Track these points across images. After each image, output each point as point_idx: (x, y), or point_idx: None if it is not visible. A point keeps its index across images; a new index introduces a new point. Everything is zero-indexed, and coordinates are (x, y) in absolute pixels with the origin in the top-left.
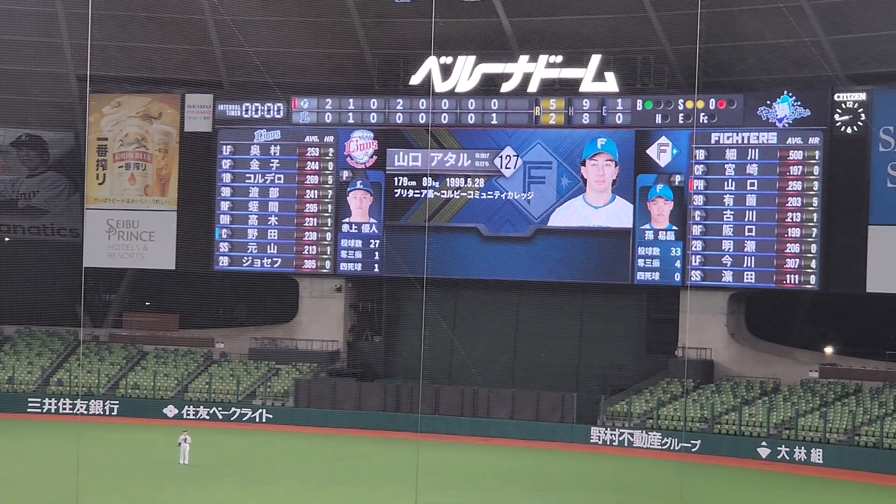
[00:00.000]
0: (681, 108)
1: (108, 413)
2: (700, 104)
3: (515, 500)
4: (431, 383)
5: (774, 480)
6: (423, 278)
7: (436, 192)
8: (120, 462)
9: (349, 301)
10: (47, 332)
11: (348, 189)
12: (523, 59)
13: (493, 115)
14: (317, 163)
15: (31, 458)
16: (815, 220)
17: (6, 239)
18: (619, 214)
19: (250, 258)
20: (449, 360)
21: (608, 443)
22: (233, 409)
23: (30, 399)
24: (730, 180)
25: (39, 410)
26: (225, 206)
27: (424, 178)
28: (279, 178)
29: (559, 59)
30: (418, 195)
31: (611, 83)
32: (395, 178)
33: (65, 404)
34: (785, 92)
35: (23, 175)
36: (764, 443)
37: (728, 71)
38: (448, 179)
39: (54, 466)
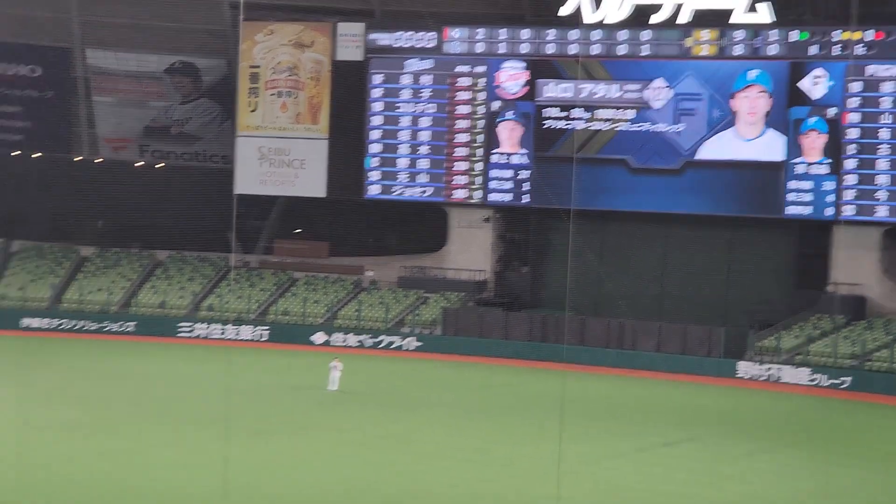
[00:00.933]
0: (836, 39)
1: (257, 339)
2: (857, 35)
3: (661, 432)
4: (578, 314)
5: None
6: (570, 210)
7: (585, 124)
8: (269, 387)
9: (497, 231)
10: (199, 257)
11: (498, 119)
12: None
13: (644, 46)
14: (467, 93)
15: (182, 382)
16: None
17: (159, 165)
18: (770, 147)
19: (400, 187)
20: (595, 291)
21: (756, 378)
22: (381, 336)
23: (180, 323)
24: (886, 114)
25: (189, 335)
26: (375, 134)
27: (574, 110)
28: (430, 108)
29: None
30: (567, 126)
31: (763, 14)
32: (545, 109)
33: (215, 329)
34: None
35: (176, 102)
36: None
37: (887, 1)
38: (597, 111)
39: (204, 390)
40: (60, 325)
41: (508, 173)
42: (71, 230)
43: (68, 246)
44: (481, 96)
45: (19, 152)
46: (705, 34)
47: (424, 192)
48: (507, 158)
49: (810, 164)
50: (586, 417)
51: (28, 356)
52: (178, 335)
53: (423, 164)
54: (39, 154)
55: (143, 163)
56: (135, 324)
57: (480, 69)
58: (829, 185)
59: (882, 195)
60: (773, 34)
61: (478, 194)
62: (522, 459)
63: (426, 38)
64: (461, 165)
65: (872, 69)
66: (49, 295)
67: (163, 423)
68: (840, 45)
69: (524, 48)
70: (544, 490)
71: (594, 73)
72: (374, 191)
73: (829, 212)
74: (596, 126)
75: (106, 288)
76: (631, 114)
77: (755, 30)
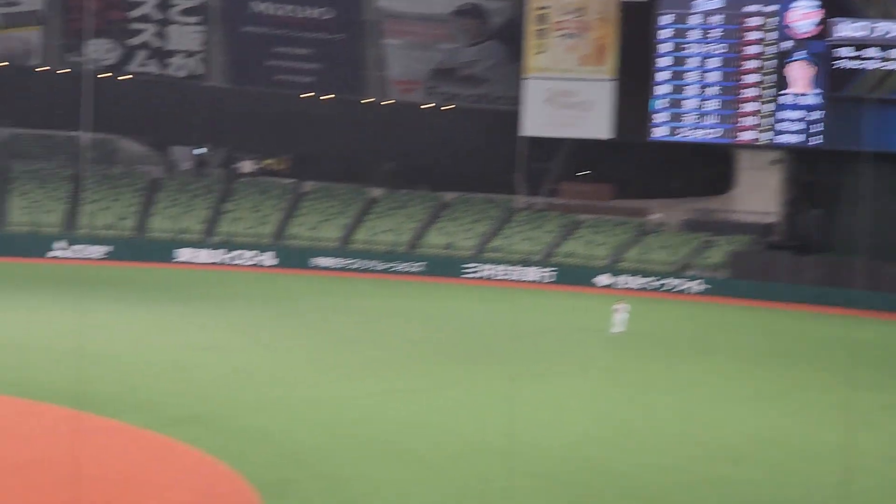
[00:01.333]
0: None
1: (542, 280)
2: None
3: None
4: (871, 259)
5: None
6: (864, 151)
7: (880, 63)
8: (554, 328)
9: (787, 174)
10: (485, 199)
11: (788, 59)
12: None
13: None
14: (757, 33)
15: (468, 322)
16: None
17: (446, 107)
18: None
19: (687, 129)
20: (892, 235)
21: None
22: (666, 279)
23: (466, 264)
24: None
25: (475, 275)
26: (662, 76)
27: (868, 49)
28: (718, 49)
29: None
30: (861, 66)
31: None
32: (838, 49)
33: (500, 270)
34: None
35: (463, 44)
36: None
37: None
38: (893, 50)
39: (490, 330)
40: (350, 264)
41: (798, 114)
42: (360, 171)
43: (357, 187)
44: (771, 36)
45: (311, 94)
46: None
47: (711, 133)
48: (797, 99)
49: None
50: (879, 365)
51: (319, 295)
52: (464, 276)
53: (711, 105)
54: (330, 96)
55: (431, 105)
56: (422, 264)
57: (772, 8)
58: None
59: None
60: None
61: (766, 136)
62: (812, 406)
63: None
64: (749, 107)
65: None
66: (339, 235)
67: (449, 362)
68: None
69: None
70: (834, 437)
71: (890, 11)
72: (659, 133)
73: None
74: (891, 66)
75: (394, 229)
76: None
77: None
